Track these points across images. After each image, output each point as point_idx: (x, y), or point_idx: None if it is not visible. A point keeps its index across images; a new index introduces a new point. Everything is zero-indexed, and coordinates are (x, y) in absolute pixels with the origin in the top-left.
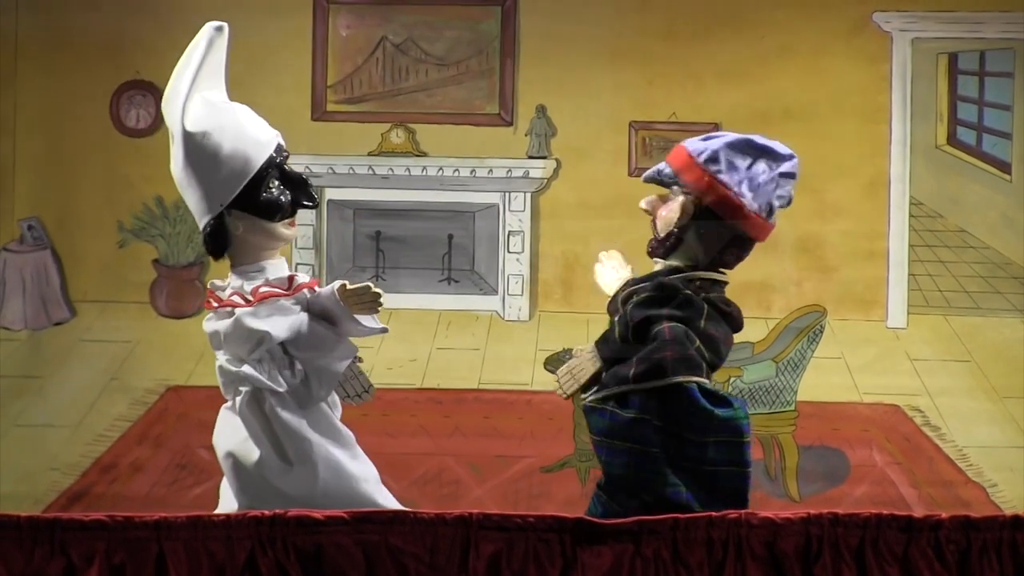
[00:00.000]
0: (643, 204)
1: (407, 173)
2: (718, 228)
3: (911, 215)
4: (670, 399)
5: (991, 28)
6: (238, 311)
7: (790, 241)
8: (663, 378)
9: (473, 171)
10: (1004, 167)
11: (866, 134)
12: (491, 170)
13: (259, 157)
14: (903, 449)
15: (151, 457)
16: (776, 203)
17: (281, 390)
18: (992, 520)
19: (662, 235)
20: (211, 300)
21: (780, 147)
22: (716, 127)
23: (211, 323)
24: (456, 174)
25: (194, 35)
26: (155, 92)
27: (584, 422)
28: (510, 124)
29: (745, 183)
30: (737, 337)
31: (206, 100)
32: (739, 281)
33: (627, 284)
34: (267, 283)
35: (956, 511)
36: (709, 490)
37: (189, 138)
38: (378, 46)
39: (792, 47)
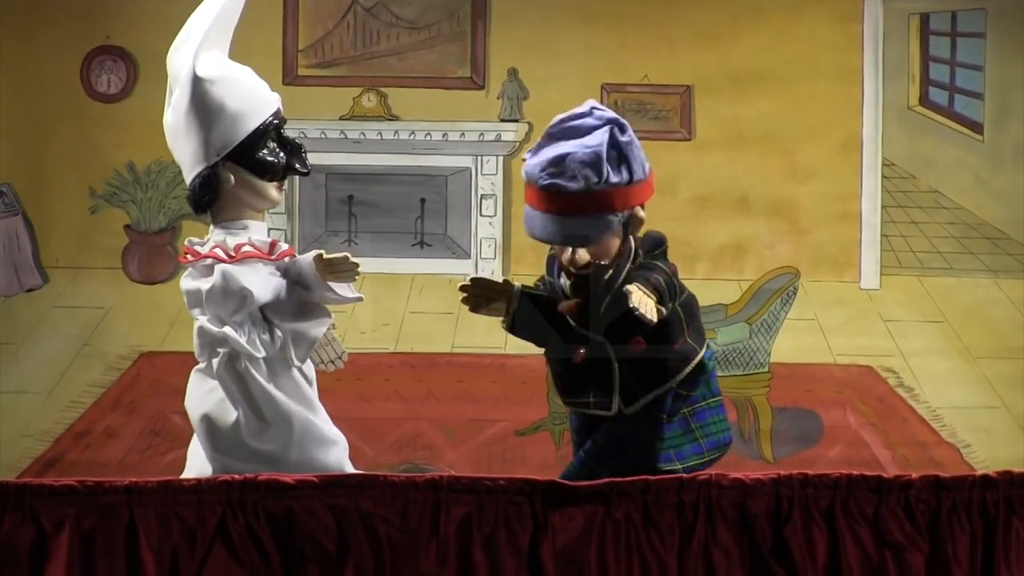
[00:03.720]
0: (564, 260)
1: (379, 137)
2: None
3: (883, 176)
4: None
5: None
6: (222, 265)
7: (763, 203)
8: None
9: (445, 135)
10: (976, 127)
11: (838, 95)
12: (463, 134)
13: (264, 112)
14: (877, 410)
15: (124, 423)
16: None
17: (259, 356)
18: (962, 480)
19: (605, 262)
20: (188, 256)
21: (601, 113)
22: (688, 89)
23: (190, 280)
24: (428, 138)
25: None
26: (126, 57)
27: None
28: (482, 87)
29: (624, 166)
30: (711, 299)
31: (213, 55)
32: (713, 243)
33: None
34: (250, 242)
35: (930, 472)
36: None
37: (198, 83)
38: (349, 10)
39: (764, 8)
